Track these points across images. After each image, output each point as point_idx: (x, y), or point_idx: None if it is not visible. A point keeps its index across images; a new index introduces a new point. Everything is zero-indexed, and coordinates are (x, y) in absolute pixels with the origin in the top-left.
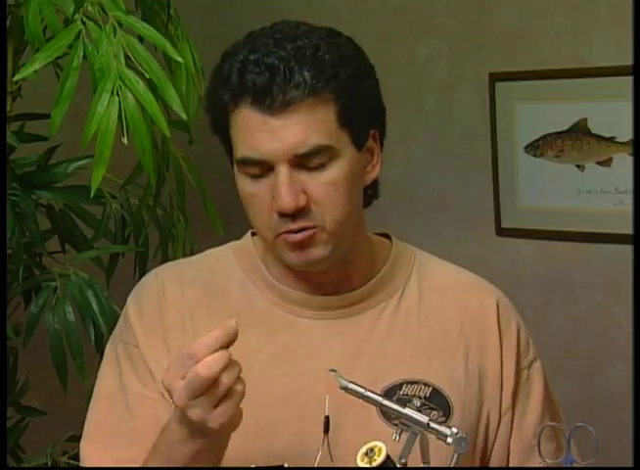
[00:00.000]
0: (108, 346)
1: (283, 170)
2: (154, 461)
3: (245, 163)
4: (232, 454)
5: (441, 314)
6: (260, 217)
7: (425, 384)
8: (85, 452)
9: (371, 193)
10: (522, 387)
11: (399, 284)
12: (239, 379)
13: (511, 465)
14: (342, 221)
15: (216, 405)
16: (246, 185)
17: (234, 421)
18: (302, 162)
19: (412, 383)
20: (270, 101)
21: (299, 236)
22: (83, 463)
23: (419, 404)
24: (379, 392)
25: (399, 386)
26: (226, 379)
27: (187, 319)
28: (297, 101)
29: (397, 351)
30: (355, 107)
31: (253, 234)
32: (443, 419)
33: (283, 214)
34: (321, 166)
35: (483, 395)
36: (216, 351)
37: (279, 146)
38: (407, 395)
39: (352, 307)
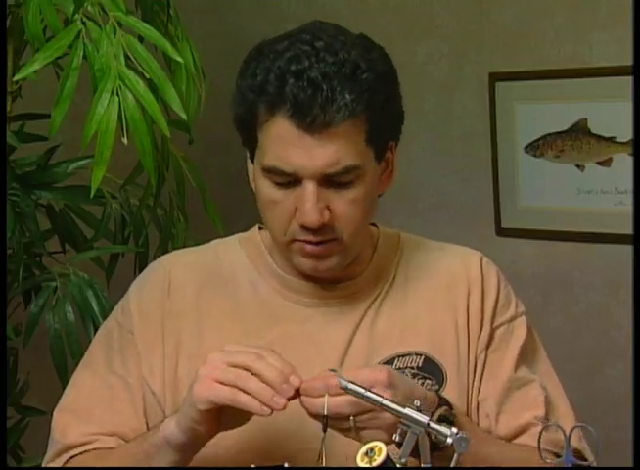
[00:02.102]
0: (104, 324)
1: (310, 186)
2: (131, 451)
3: (272, 172)
4: (231, 435)
5: (429, 288)
6: (278, 223)
7: (416, 354)
8: (57, 420)
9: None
10: (498, 340)
11: (390, 269)
12: (256, 401)
13: (482, 414)
14: (357, 234)
15: (223, 384)
16: (269, 190)
17: (203, 418)
18: (330, 179)
19: (404, 356)
20: (311, 120)
21: (319, 249)
22: (53, 430)
23: (408, 375)
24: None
25: (392, 360)
26: (244, 375)
27: (192, 307)
28: (336, 123)
29: (387, 329)
30: (383, 126)
31: (261, 228)
32: (437, 387)
33: (306, 228)
34: (347, 184)
35: (459, 345)
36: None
37: (310, 163)
38: (400, 368)
39: (350, 297)
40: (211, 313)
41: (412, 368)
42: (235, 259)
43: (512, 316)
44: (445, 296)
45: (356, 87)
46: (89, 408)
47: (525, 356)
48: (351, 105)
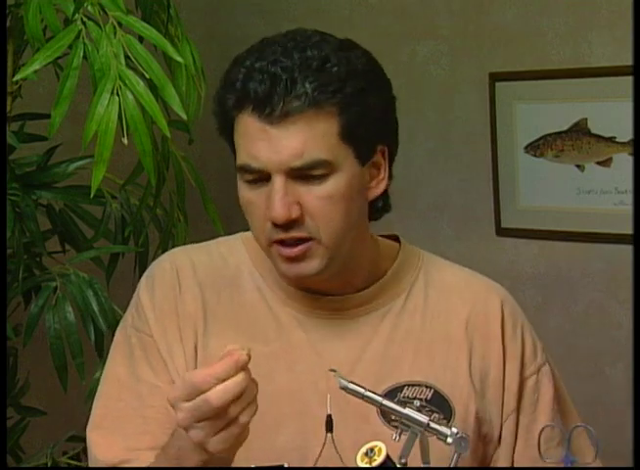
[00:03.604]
0: (118, 331)
1: (278, 181)
2: (162, 462)
3: (244, 170)
4: None
5: (446, 317)
6: (256, 224)
7: (426, 386)
8: (93, 438)
9: (381, 206)
10: (529, 394)
11: (405, 286)
12: (248, 408)
13: None
14: (338, 235)
15: (218, 432)
16: (244, 191)
17: (234, 447)
18: (299, 173)
19: (413, 385)
20: (270, 110)
21: (294, 251)
22: (91, 449)
23: (419, 405)
24: (380, 393)
25: (400, 388)
26: (233, 410)
27: (200, 306)
28: (296, 112)
29: (400, 353)
30: (361, 122)
31: None
32: (445, 422)
33: (275, 225)
34: (318, 179)
35: (485, 399)
36: (223, 381)
37: (276, 156)
38: (408, 397)
39: (357, 309)
40: (217, 316)
41: (421, 399)
42: (240, 262)
43: (539, 366)
44: (463, 332)
45: (320, 78)
46: (122, 423)
47: (557, 406)
48: (312, 94)
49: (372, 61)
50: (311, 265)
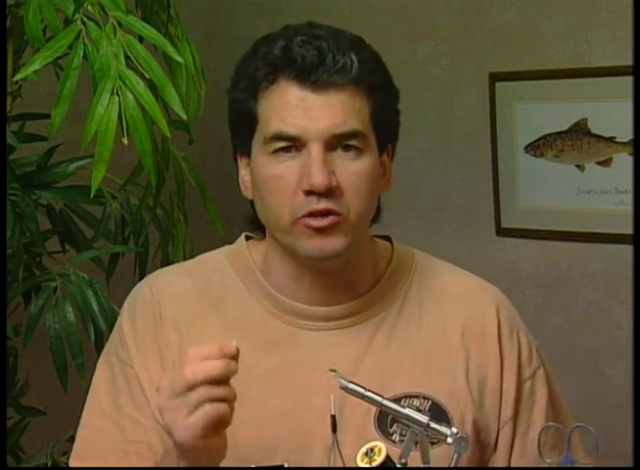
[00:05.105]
0: (101, 359)
1: (317, 147)
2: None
3: (277, 138)
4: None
5: (442, 326)
6: (281, 200)
7: (424, 397)
8: (76, 468)
9: (377, 208)
10: (525, 399)
11: (400, 293)
12: (220, 401)
13: None
14: (363, 215)
15: (187, 416)
16: (269, 166)
17: (204, 442)
18: (336, 143)
19: (411, 397)
20: (315, 78)
21: (325, 222)
22: None
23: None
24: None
25: (398, 400)
26: (204, 390)
27: (184, 334)
28: (340, 83)
29: (397, 363)
30: (384, 110)
31: (247, 238)
32: None
33: (311, 193)
34: (353, 154)
35: (483, 406)
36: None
37: (315, 124)
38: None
39: (352, 318)
40: (204, 341)
41: (419, 411)
42: (225, 280)
43: (534, 370)
44: (459, 340)
45: (360, 52)
46: (104, 454)
47: (551, 409)
48: (357, 66)
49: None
50: (336, 241)
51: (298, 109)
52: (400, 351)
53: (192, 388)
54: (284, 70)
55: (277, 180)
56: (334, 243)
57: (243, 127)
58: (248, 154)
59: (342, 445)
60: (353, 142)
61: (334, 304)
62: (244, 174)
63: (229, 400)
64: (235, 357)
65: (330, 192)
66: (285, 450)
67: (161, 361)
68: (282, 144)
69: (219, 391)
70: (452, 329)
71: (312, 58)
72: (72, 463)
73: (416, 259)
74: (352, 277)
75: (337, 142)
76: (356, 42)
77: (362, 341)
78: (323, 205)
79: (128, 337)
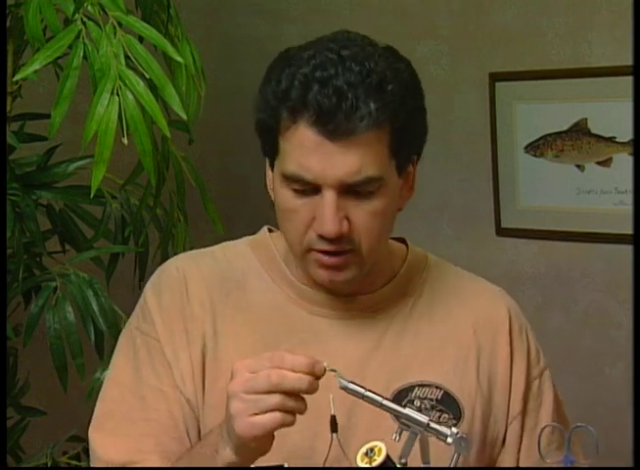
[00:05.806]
0: (123, 334)
1: (330, 195)
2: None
3: (292, 179)
4: None
5: (454, 321)
6: (295, 232)
7: (436, 387)
8: (96, 439)
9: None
10: (533, 397)
11: (413, 288)
12: (288, 411)
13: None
14: (375, 247)
15: (254, 415)
16: (288, 199)
17: (257, 444)
18: (350, 189)
19: (424, 386)
20: (334, 126)
21: (336, 260)
22: (94, 449)
23: (429, 405)
24: (391, 394)
25: (411, 388)
26: (282, 399)
27: (208, 309)
28: (358, 131)
29: (409, 355)
30: (407, 139)
31: (270, 230)
32: (454, 422)
33: (323, 237)
34: (368, 196)
35: (492, 402)
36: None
37: (331, 171)
38: (419, 397)
39: (369, 309)
40: (226, 319)
41: (431, 400)
42: (247, 266)
43: (542, 370)
44: (471, 336)
45: (382, 97)
46: (125, 425)
47: (556, 411)
48: (375, 114)
49: (415, 73)
50: (347, 274)
51: (315, 154)
52: (413, 343)
53: (272, 391)
54: (302, 113)
55: (293, 213)
56: (345, 275)
57: (267, 147)
58: (272, 164)
59: (356, 427)
60: (368, 188)
61: (351, 295)
62: (270, 175)
63: (298, 414)
64: (320, 377)
65: (342, 236)
66: (298, 429)
67: (187, 334)
68: (298, 186)
69: (295, 404)
70: (464, 325)
71: (330, 105)
72: (93, 434)
73: (430, 262)
74: (368, 279)
75: (351, 187)
76: (384, 72)
77: (377, 331)
78: (334, 247)
79: (153, 311)
